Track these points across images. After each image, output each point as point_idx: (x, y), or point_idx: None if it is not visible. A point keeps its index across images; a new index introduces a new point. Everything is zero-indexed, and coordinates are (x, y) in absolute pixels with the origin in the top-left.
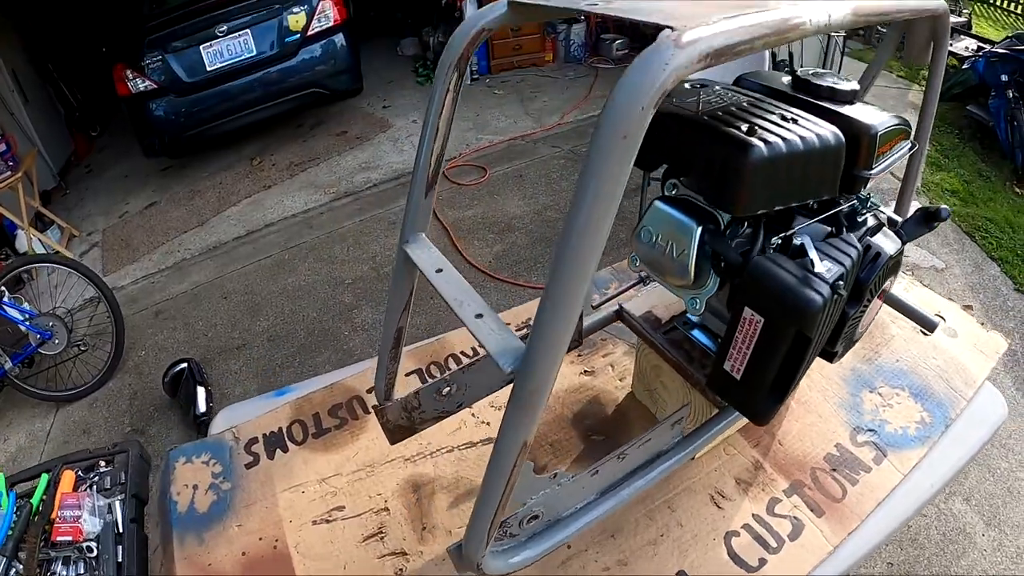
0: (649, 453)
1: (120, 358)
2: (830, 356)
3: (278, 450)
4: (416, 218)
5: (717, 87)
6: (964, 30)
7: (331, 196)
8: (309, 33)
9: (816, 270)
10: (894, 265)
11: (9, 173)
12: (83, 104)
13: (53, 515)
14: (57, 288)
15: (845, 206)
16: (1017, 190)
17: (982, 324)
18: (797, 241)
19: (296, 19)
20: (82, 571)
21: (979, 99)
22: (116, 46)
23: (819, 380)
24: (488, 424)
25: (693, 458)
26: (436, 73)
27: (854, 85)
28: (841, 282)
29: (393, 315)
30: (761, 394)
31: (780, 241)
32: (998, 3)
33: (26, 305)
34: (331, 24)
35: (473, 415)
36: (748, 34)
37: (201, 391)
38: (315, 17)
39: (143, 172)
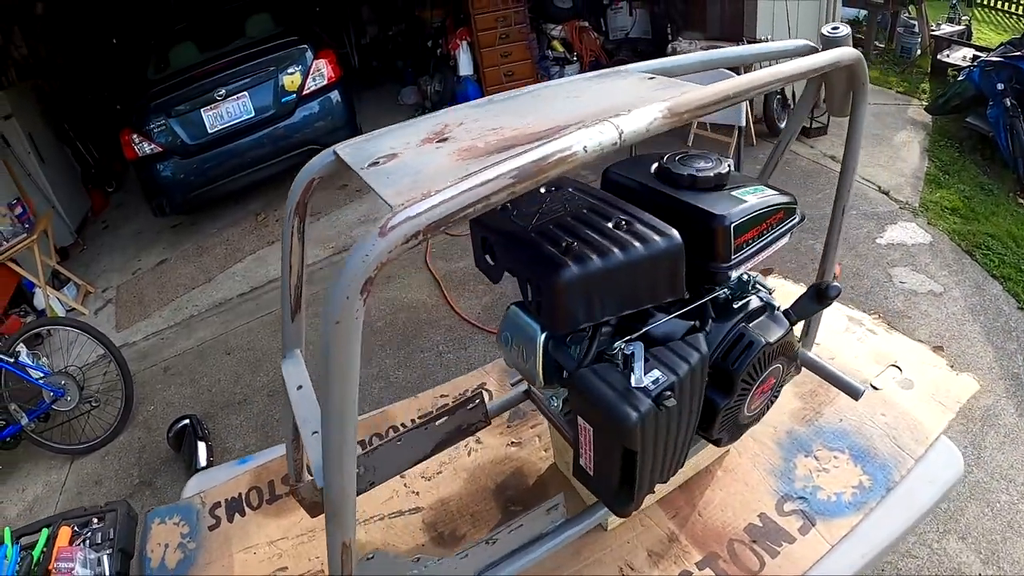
0: (523, 537)
1: (129, 413)
2: (716, 442)
3: (236, 514)
4: (289, 338)
5: (569, 190)
6: (962, 40)
7: (331, 251)
8: (305, 92)
9: (636, 384)
10: (781, 347)
11: (25, 235)
12: (99, 161)
13: (50, 566)
14: (72, 345)
15: (710, 297)
16: (1020, 200)
17: (951, 367)
18: (628, 351)
19: (291, 79)
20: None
21: (978, 109)
22: (123, 111)
23: (750, 445)
24: (417, 494)
25: (606, 529)
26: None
27: (721, 168)
28: (670, 392)
29: (287, 411)
30: (612, 490)
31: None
32: (998, 5)
33: (42, 362)
34: (326, 82)
35: (405, 485)
36: (476, 195)
37: (202, 446)
38: (310, 76)
39: (155, 229)
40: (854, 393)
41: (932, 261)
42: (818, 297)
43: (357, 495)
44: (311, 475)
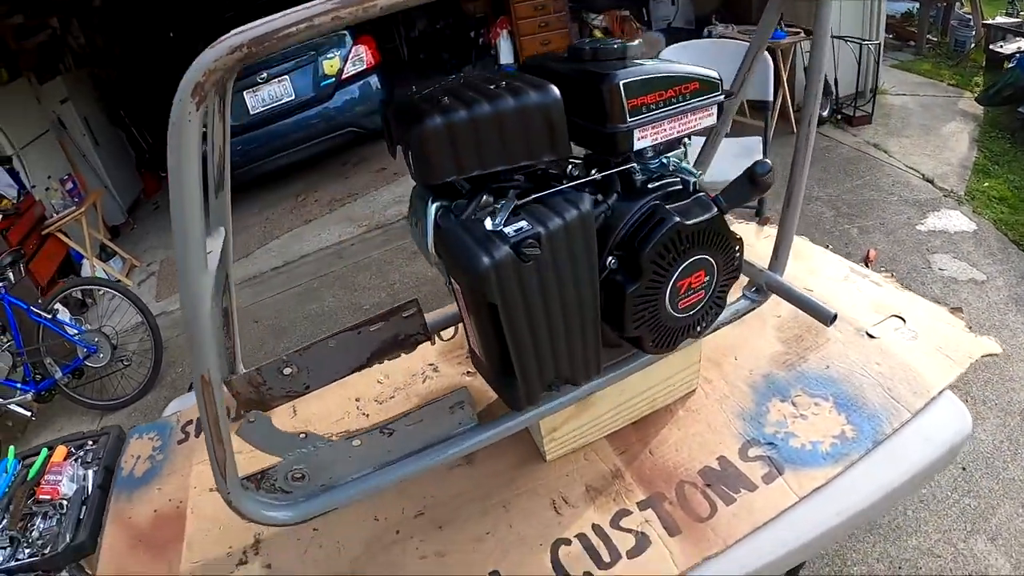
0: (426, 437)
1: (158, 374)
2: (639, 344)
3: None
4: (212, 215)
5: (478, 76)
6: (1018, 29)
7: (364, 228)
8: (344, 76)
9: (492, 228)
10: (707, 234)
11: (74, 208)
12: (153, 147)
13: (42, 479)
14: (114, 312)
15: (616, 170)
16: None
17: (969, 328)
18: (499, 203)
19: (331, 64)
20: (54, 524)
21: None
22: (169, 93)
23: (720, 386)
24: (367, 416)
25: (545, 460)
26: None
27: (631, 44)
28: (534, 242)
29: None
30: (498, 373)
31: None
32: None
33: (78, 323)
34: (365, 67)
35: (358, 407)
36: (297, 17)
37: None
38: (349, 61)
39: None
40: (824, 317)
41: (975, 249)
42: (750, 179)
43: (294, 397)
44: (244, 367)
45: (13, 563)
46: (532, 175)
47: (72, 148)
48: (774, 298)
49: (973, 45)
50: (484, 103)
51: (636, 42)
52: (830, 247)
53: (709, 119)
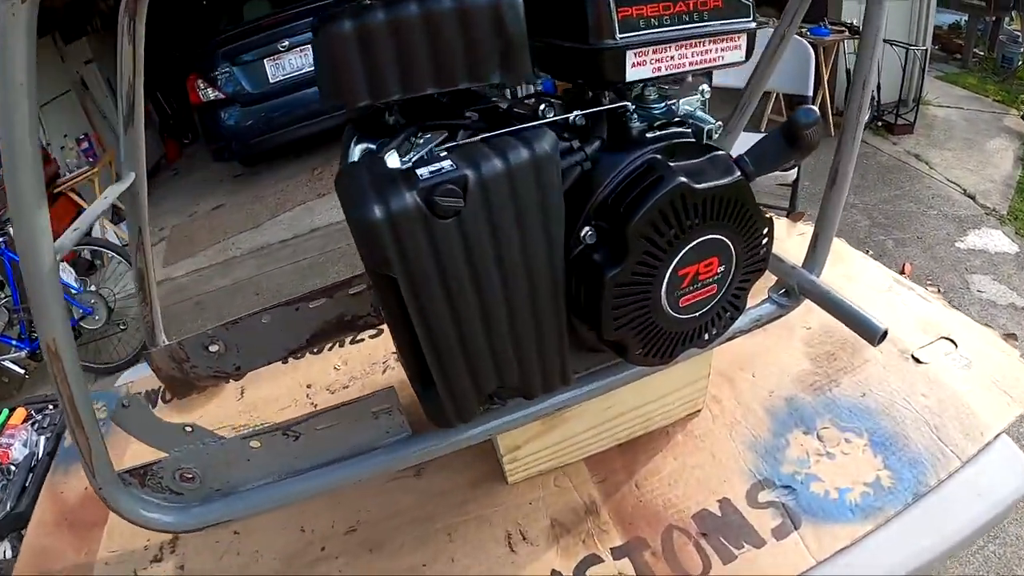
0: (341, 444)
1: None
2: (621, 351)
3: (150, 404)
4: (125, 153)
5: None
6: None
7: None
8: None
9: (394, 166)
10: (723, 205)
11: (87, 167)
12: (177, 114)
13: None
14: (121, 277)
15: (602, 108)
16: None
17: None
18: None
19: None
20: (1, 487)
21: None
22: (191, 58)
23: (731, 408)
24: (315, 406)
25: (507, 482)
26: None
27: None
28: (456, 190)
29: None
30: (413, 376)
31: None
32: None
33: (83, 285)
34: None
35: (307, 396)
36: None
37: None
38: None
39: (218, 178)
40: (871, 334)
41: (1017, 273)
42: (788, 135)
43: (223, 379)
44: (167, 339)
45: None
46: (491, 113)
47: (93, 109)
48: (804, 305)
49: (1021, 62)
50: (412, 3)
51: None
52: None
53: (735, 52)
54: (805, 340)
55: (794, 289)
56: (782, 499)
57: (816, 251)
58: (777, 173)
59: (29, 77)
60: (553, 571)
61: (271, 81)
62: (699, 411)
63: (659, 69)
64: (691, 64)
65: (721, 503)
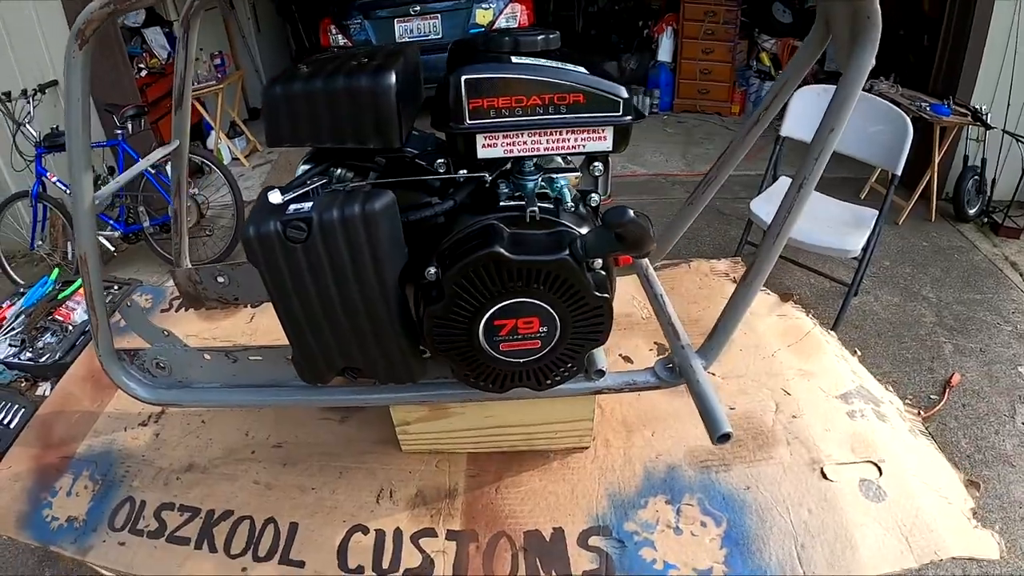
0: (265, 375)
1: (230, 254)
2: (452, 369)
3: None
4: (176, 130)
5: (360, 50)
6: None
7: None
8: (493, 29)
9: (273, 201)
10: (554, 285)
11: (214, 82)
12: (312, 49)
13: (65, 303)
14: (223, 187)
15: (458, 175)
16: None
17: (974, 514)
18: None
19: (484, 14)
20: (55, 341)
21: None
22: (329, 2)
23: (615, 456)
24: None
25: (400, 449)
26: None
27: (538, 37)
28: (303, 226)
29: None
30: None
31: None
32: None
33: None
34: (516, 26)
35: None
36: None
37: None
38: (502, 15)
39: None
40: (712, 431)
41: None
42: (611, 230)
43: (224, 305)
44: (191, 263)
45: (14, 359)
46: (399, 160)
47: (234, 28)
48: (735, 386)
49: None
50: (320, 79)
51: (554, 34)
52: (906, 355)
53: (600, 143)
54: None
55: (675, 368)
56: (609, 549)
57: (711, 341)
58: (848, 246)
59: (84, 95)
60: (397, 528)
61: (397, 40)
62: (586, 447)
63: (512, 150)
64: (547, 149)
65: (555, 531)
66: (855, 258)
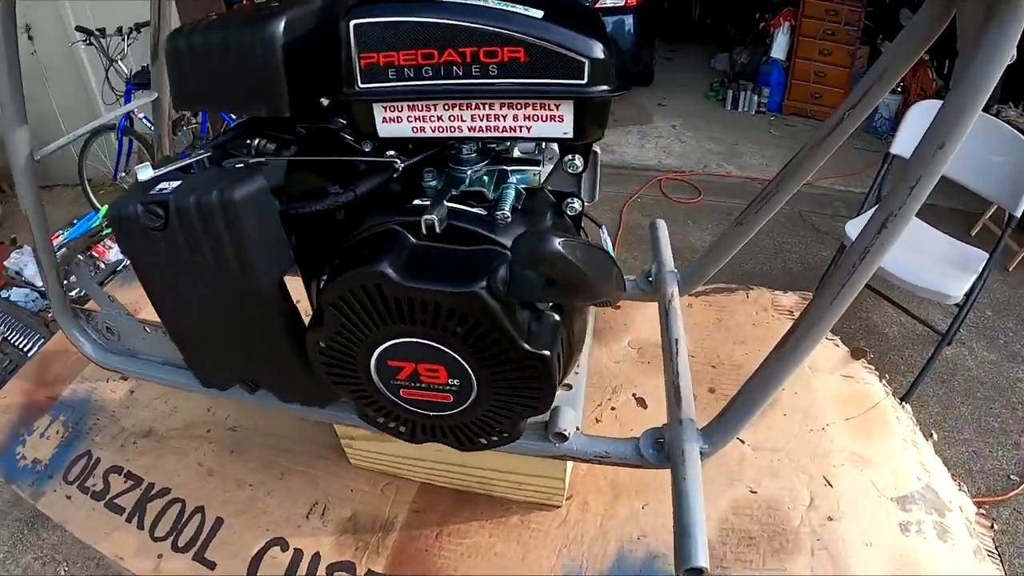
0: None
1: None
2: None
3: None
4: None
5: None
6: None
7: None
8: (597, 5)
9: (141, 178)
10: (461, 328)
11: None
12: None
13: (104, 241)
14: None
15: (361, 158)
16: None
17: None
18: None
19: None
20: (92, 272)
21: None
22: None
23: (589, 524)
24: None
25: (351, 462)
26: None
27: None
28: (159, 209)
29: None
30: None
31: None
32: None
33: None
34: (623, 4)
35: None
36: None
37: None
38: None
39: None
40: (682, 555)
41: None
42: (539, 269)
43: None
44: None
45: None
46: (323, 132)
47: None
48: (761, 460)
49: None
50: (214, 30)
51: None
52: (993, 423)
53: (553, 124)
54: (736, 502)
55: (664, 448)
56: None
57: (723, 419)
58: (949, 291)
59: (9, 48)
60: (317, 553)
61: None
62: (558, 506)
63: (422, 130)
64: (472, 131)
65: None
66: (956, 303)
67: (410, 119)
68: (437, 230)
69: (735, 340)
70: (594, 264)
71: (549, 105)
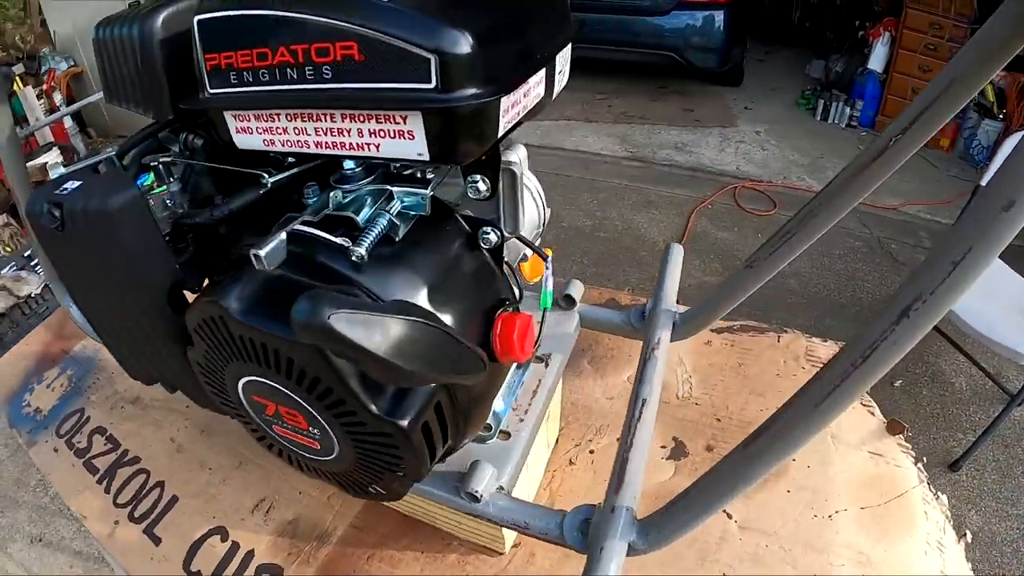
0: None
1: None
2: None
3: None
4: None
5: None
6: None
7: (627, 154)
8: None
9: (57, 172)
10: (300, 375)
11: None
12: None
13: None
14: None
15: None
16: None
17: None
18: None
19: None
20: None
21: None
22: None
23: None
24: None
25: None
26: None
27: None
28: (51, 208)
29: None
30: None
31: None
32: None
33: None
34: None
35: None
36: None
37: None
38: None
39: None
40: None
41: None
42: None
43: None
44: None
45: None
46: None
47: None
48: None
49: None
50: (116, 25)
51: None
52: None
53: (402, 143)
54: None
55: (586, 532)
56: None
57: (666, 516)
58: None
59: None
60: (251, 551)
61: None
62: (501, 553)
63: (272, 143)
64: (319, 146)
65: None
66: None
67: (259, 130)
68: (266, 266)
69: (752, 391)
70: (412, 345)
71: (394, 117)
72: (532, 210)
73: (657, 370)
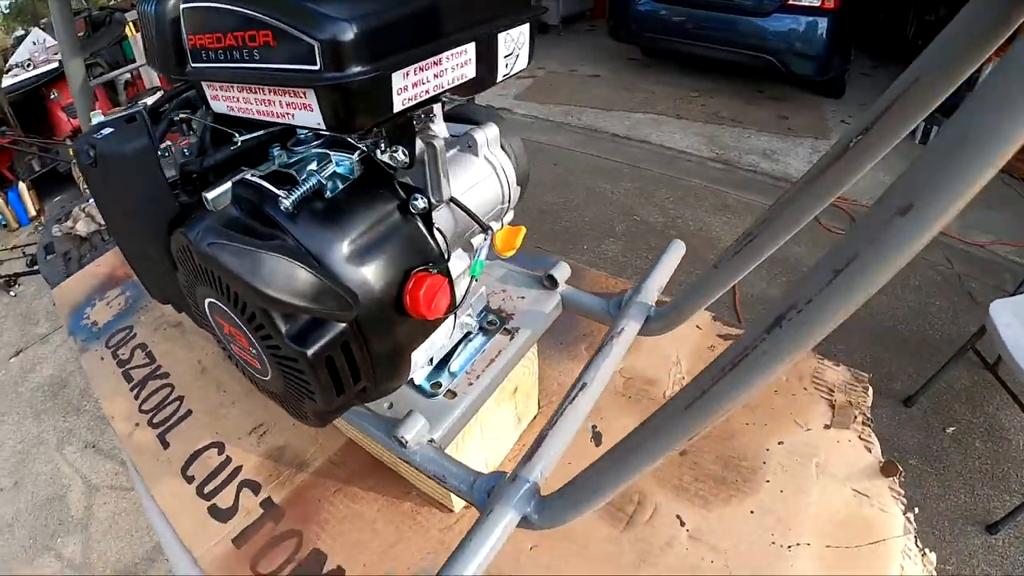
0: None
1: None
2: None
3: None
4: None
5: None
6: None
7: (712, 155)
8: (791, 2)
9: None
10: (231, 297)
11: None
12: None
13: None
14: None
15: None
16: None
17: None
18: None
19: None
20: None
21: None
22: None
23: None
24: None
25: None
26: None
27: None
28: (87, 149)
29: None
30: None
31: None
32: None
33: None
34: (819, 5)
35: None
36: None
37: None
38: None
39: (615, 54)
40: None
41: None
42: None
43: None
44: None
45: None
46: None
47: None
48: None
49: None
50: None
51: None
52: None
53: (306, 113)
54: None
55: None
56: None
57: (562, 496)
58: None
59: None
60: (239, 466)
61: None
62: (451, 510)
63: (232, 109)
64: (260, 113)
65: (336, 570)
66: None
67: (223, 99)
68: (211, 207)
69: (743, 404)
70: (273, 276)
71: (298, 92)
72: (494, 186)
73: (610, 359)
